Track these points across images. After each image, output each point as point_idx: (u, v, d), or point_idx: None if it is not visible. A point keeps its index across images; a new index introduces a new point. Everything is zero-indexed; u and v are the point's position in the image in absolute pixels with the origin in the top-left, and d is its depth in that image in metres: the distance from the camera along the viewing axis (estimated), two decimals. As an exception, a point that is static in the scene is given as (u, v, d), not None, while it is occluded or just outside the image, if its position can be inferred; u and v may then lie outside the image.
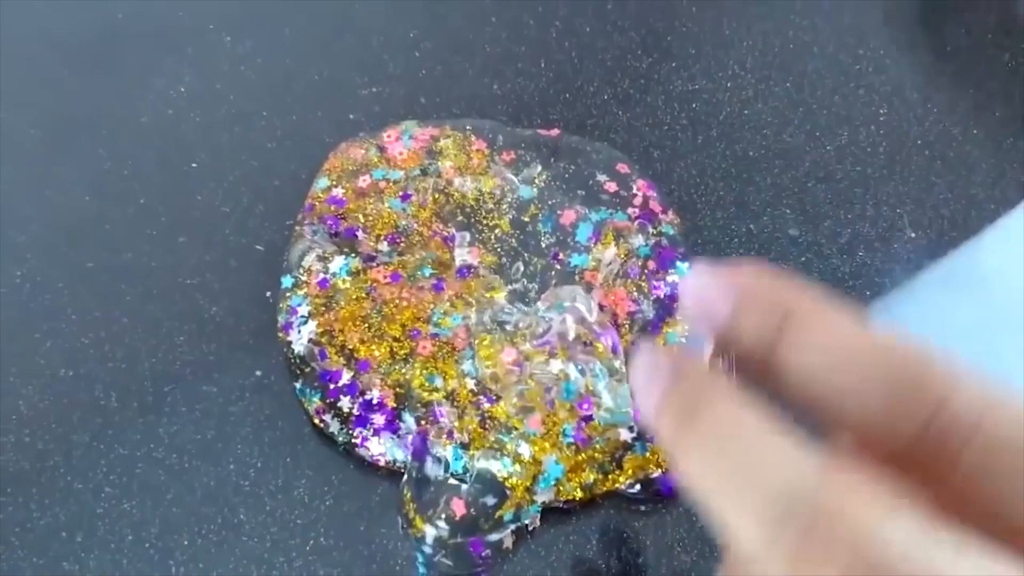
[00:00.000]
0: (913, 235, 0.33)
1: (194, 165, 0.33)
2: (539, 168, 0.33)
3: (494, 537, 0.26)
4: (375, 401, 0.28)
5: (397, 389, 0.28)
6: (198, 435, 0.28)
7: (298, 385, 0.28)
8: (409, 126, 0.34)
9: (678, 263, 0.31)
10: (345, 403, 0.28)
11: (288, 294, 0.30)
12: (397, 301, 0.30)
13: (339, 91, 0.35)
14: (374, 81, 0.36)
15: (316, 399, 0.28)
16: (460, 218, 0.32)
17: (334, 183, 0.32)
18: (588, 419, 0.28)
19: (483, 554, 0.26)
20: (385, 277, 0.30)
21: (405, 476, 0.27)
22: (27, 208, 0.32)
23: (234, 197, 0.33)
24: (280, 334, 0.29)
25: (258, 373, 0.29)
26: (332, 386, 0.28)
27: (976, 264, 0.33)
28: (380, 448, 0.27)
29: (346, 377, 0.28)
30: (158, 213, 0.32)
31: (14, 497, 0.27)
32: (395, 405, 0.28)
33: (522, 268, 0.31)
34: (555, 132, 0.34)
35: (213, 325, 0.30)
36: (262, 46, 0.36)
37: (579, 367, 0.28)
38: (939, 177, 0.35)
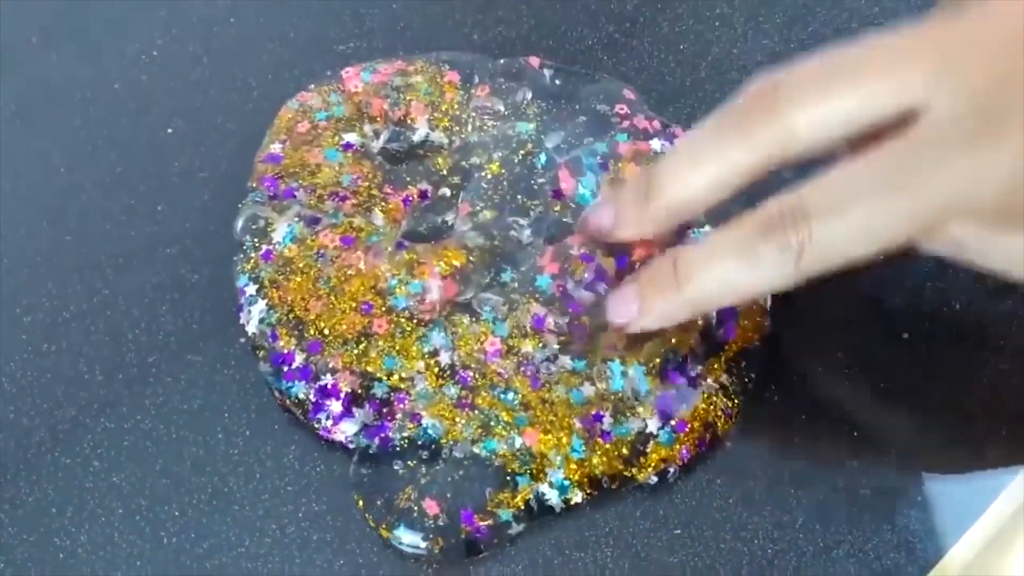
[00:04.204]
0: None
1: (170, 131, 0.33)
2: (529, 94, 0.30)
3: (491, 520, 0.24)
4: (329, 386, 0.26)
5: (352, 372, 0.26)
6: (184, 405, 0.28)
7: (260, 369, 0.27)
8: (374, 64, 0.31)
9: None
10: (300, 389, 0.26)
11: (237, 270, 0.28)
12: (346, 269, 0.27)
13: (315, 48, 0.34)
14: (350, 36, 0.35)
15: (273, 385, 0.27)
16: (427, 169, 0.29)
17: (274, 138, 0.30)
18: (605, 435, 0.25)
19: (481, 531, 0.24)
20: (334, 241, 0.27)
21: (352, 475, 0.25)
22: (0, 181, 0.31)
23: (212, 162, 0.32)
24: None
25: (242, 340, 0.28)
26: (286, 369, 0.26)
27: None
28: (344, 433, 0.26)
29: (299, 359, 0.26)
30: (136, 182, 0.32)
31: (1, 475, 0.26)
32: (350, 391, 0.26)
33: (521, 219, 0.28)
34: (535, 60, 0.32)
35: (196, 293, 0.29)
36: (234, 5, 0.35)
37: (585, 366, 0.25)
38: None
